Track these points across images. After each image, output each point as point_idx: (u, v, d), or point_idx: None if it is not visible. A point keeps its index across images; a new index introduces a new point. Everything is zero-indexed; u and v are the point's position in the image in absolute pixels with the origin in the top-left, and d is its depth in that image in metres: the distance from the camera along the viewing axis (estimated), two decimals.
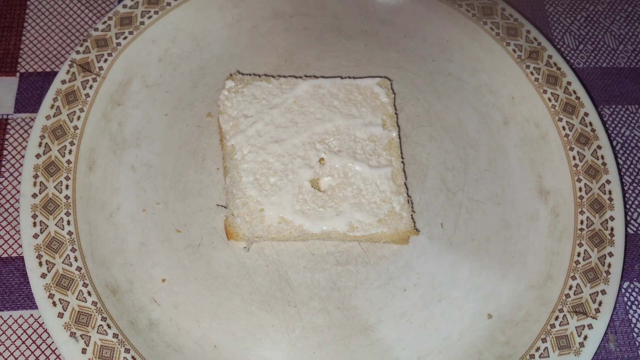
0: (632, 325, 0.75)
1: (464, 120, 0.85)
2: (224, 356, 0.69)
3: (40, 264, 0.68)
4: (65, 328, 0.66)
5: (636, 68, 0.91)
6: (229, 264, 0.74)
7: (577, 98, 0.83)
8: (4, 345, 0.69)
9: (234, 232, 0.73)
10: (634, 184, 0.84)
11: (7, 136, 0.80)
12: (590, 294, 0.72)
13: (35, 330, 0.70)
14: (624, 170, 0.85)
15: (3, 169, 0.78)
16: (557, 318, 0.71)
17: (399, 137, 0.79)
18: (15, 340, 0.70)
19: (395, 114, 0.81)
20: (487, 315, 0.73)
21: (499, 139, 0.84)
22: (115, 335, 0.67)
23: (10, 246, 0.74)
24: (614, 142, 0.87)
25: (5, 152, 0.79)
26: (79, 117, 0.77)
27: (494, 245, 0.77)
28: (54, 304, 0.67)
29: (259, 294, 0.72)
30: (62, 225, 0.71)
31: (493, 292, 0.75)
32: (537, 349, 0.69)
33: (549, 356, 0.69)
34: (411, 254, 0.76)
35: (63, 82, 0.78)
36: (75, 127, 0.76)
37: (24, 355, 0.69)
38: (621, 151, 0.86)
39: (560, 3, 0.95)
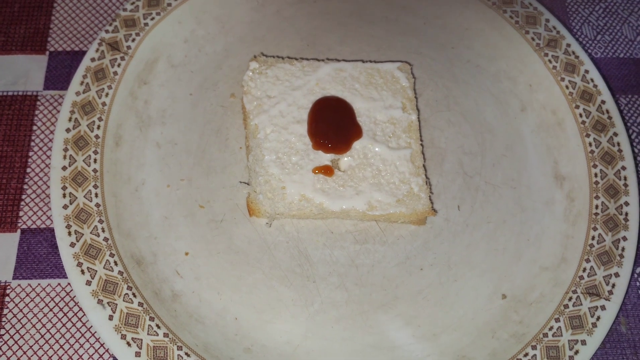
0: None
1: (482, 106, 0.86)
2: (244, 328, 0.71)
3: (70, 233, 0.70)
4: (93, 295, 0.68)
5: None
6: (250, 239, 0.76)
7: (595, 86, 0.84)
8: (32, 312, 0.72)
9: (256, 208, 0.75)
10: None
11: (36, 112, 0.82)
12: (603, 277, 0.73)
13: (62, 299, 0.73)
14: (639, 159, 0.86)
15: (32, 144, 0.80)
16: (570, 299, 0.73)
17: (419, 121, 0.81)
18: (43, 308, 0.72)
19: (415, 97, 0.82)
20: (501, 296, 0.75)
21: (516, 125, 0.85)
22: (140, 304, 0.69)
23: (39, 217, 0.77)
24: (630, 131, 0.88)
25: (34, 128, 0.81)
26: (107, 94, 0.79)
27: (509, 228, 0.79)
28: (82, 272, 0.69)
29: (279, 269, 0.74)
30: (90, 197, 0.73)
31: (508, 273, 0.76)
32: (551, 328, 0.71)
33: (562, 335, 0.70)
34: (428, 234, 0.78)
35: (92, 59, 0.80)
36: (104, 104, 0.78)
37: (51, 322, 0.71)
38: (637, 140, 0.87)
39: None
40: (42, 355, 0.70)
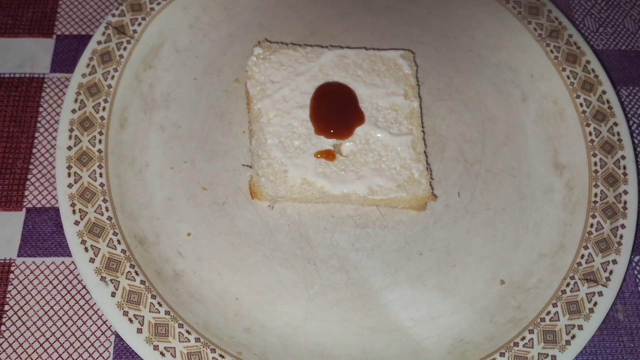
0: None
1: (483, 96, 0.87)
2: (245, 308, 0.72)
3: (74, 211, 0.71)
4: (96, 272, 0.69)
5: None
6: (252, 221, 0.77)
7: (596, 76, 0.85)
8: (36, 289, 0.73)
9: (258, 191, 0.76)
10: None
11: (43, 94, 0.83)
12: (601, 263, 0.74)
13: (66, 276, 0.74)
14: (639, 150, 0.86)
15: (39, 125, 0.81)
16: (568, 285, 0.73)
17: (420, 108, 0.82)
18: (47, 285, 0.73)
19: (417, 85, 0.83)
20: (499, 281, 0.76)
21: (517, 114, 0.86)
22: (142, 282, 0.70)
23: (44, 197, 0.78)
24: (630, 123, 0.88)
25: (40, 109, 0.82)
26: (112, 77, 0.80)
27: (508, 215, 0.79)
28: (86, 249, 0.70)
29: (280, 251, 0.75)
30: (95, 177, 0.74)
31: (506, 259, 0.77)
32: (548, 313, 0.72)
33: (559, 320, 0.71)
34: (428, 220, 0.79)
35: (99, 42, 0.81)
36: (109, 86, 0.79)
37: (54, 299, 0.72)
38: (637, 131, 0.88)
39: None
40: (46, 332, 0.71)
